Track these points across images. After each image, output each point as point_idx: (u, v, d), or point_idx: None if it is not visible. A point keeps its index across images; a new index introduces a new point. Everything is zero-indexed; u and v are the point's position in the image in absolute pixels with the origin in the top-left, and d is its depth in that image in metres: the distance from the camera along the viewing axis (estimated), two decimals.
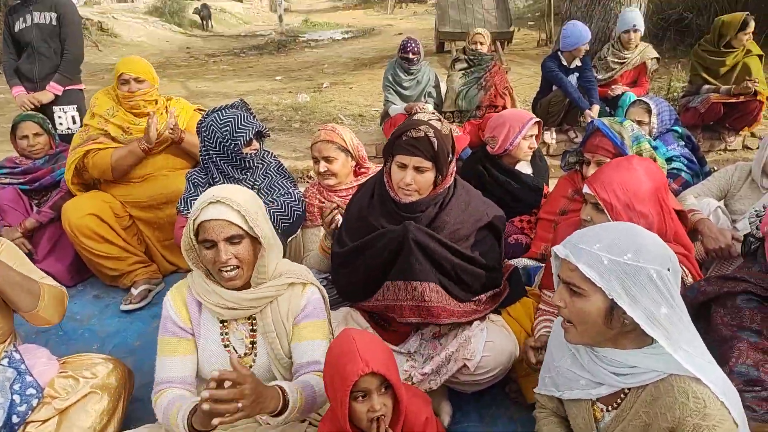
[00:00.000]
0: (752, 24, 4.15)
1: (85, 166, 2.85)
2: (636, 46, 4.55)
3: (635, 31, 4.45)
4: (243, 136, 2.35)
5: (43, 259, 2.89)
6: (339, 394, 1.39)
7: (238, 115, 2.38)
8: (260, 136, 2.51)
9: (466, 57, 4.57)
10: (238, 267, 1.58)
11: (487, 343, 1.92)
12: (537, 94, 4.89)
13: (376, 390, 1.42)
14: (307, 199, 2.60)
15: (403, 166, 1.92)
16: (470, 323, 2.00)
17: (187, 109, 3.04)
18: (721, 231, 2.27)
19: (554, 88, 4.60)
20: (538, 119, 2.81)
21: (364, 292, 2.05)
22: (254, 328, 1.68)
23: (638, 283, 1.21)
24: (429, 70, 4.66)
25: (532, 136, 2.80)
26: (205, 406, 1.24)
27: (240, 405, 1.26)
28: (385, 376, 1.40)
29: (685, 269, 1.87)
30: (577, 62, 4.50)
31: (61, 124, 3.72)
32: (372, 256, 1.99)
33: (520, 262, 2.53)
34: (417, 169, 1.91)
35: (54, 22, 3.59)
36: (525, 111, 2.95)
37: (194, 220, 1.55)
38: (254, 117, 2.48)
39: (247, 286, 1.65)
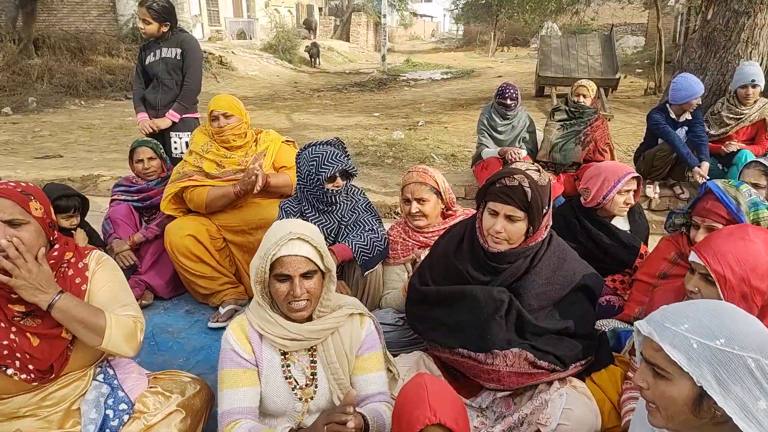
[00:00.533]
0: None
1: (182, 198, 3.08)
2: (755, 102, 4.22)
3: (754, 86, 4.13)
4: (326, 173, 2.44)
5: (145, 272, 3.13)
6: None
7: (327, 152, 2.47)
8: (347, 175, 2.58)
9: (566, 108, 4.44)
10: (308, 300, 1.64)
11: (565, 410, 1.80)
12: (640, 145, 4.65)
13: None
14: (391, 237, 2.62)
15: (495, 214, 1.90)
16: (549, 384, 1.89)
17: (276, 141, 3.19)
18: None
19: (660, 141, 4.36)
20: (636, 174, 2.66)
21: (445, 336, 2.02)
22: (314, 359, 1.71)
23: (732, 372, 1.09)
24: (525, 116, 4.59)
25: (629, 191, 2.66)
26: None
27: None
28: (451, 429, 1.35)
29: None
30: (687, 116, 4.24)
31: (176, 148, 4.04)
32: (454, 312, 1.97)
33: (610, 324, 2.37)
34: (508, 218, 1.88)
35: (178, 57, 3.94)
36: (624, 164, 2.80)
37: (273, 256, 1.60)
38: (346, 156, 2.56)
39: (309, 318, 1.69)
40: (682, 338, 1.12)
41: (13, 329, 1.60)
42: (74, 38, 14.42)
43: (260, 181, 2.89)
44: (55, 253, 1.67)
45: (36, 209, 1.60)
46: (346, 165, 2.51)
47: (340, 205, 2.57)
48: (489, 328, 1.87)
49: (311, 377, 1.70)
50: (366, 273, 2.59)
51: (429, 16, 51.46)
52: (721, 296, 1.66)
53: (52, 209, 1.70)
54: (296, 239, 1.61)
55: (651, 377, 1.19)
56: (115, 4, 16.07)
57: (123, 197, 3.26)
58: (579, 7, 17.49)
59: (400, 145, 8.35)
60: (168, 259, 3.06)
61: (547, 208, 1.92)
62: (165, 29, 3.92)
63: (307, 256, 1.61)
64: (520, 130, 4.53)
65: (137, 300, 3.02)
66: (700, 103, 4.13)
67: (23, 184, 1.64)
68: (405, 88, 16.53)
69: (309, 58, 21.79)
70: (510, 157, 4.29)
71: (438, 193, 2.51)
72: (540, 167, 1.98)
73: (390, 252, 2.61)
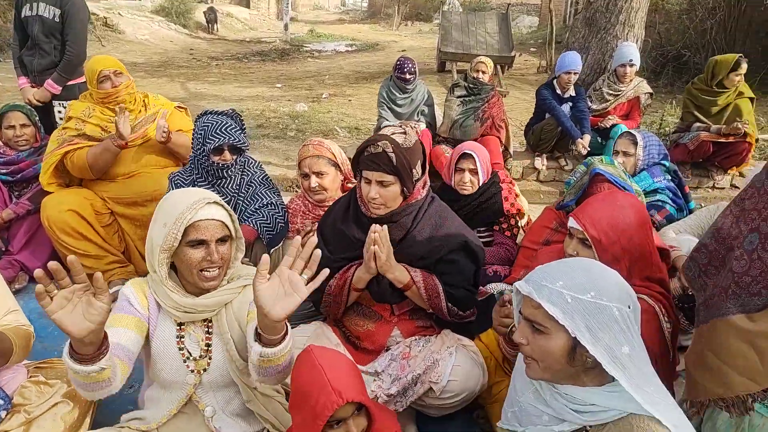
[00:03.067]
0: (744, 66, 4.20)
1: (66, 168, 2.82)
2: (631, 81, 4.59)
3: (631, 65, 4.50)
4: (211, 144, 2.36)
5: (18, 252, 2.86)
6: (312, 426, 1.35)
7: (218, 122, 2.38)
8: (236, 150, 2.49)
9: (466, 84, 4.57)
10: (220, 267, 1.59)
11: (455, 368, 1.91)
12: (530, 120, 4.93)
13: (351, 416, 1.41)
14: (291, 211, 2.59)
15: (369, 181, 1.94)
16: (442, 346, 1.99)
17: (167, 106, 3.02)
18: None
19: (547, 115, 4.64)
20: (469, 151, 2.77)
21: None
22: (210, 330, 1.66)
23: (601, 322, 1.21)
24: (424, 89, 4.69)
25: (463, 170, 2.77)
26: None
27: None
28: (359, 401, 1.38)
29: (662, 310, 1.86)
30: (572, 92, 4.54)
31: (61, 118, 3.65)
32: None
33: (498, 287, 2.52)
34: (380, 184, 1.93)
35: (57, 19, 3.51)
36: (468, 143, 2.90)
37: (188, 220, 1.51)
38: (241, 130, 2.47)
39: None
40: (558, 294, 1.22)
41: None
42: None
43: (163, 124, 2.72)
44: None
45: None
46: (235, 139, 2.41)
47: (232, 178, 2.49)
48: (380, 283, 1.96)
49: (206, 348, 1.65)
50: (272, 251, 2.55)
51: None
52: (596, 257, 1.80)
53: None
54: (213, 203, 1.56)
55: (530, 333, 1.28)
56: None
57: None
58: None
59: (303, 117, 8.20)
60: (45, 237, 2.82)
61: (417, 168, 1.98)
62: None
63: (222, 221, 1.57)
64: (419, 103, 4.62)
65: (9, 283, 2.80)
66: (576, 77, 4.44)
67: None
68: (309, 60, 16.17)
69: (206, 24, 20.60)
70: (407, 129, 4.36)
71: (336, 165, 2.50)
72: (406, 129, 2.03)
73: (290, 225, 2.58)
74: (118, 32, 16.48)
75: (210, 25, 20.56)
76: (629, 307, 1.24)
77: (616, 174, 2.30)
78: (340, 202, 2.18)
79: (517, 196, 3.06)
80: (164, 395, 1.65)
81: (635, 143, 3.07)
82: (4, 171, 2.94)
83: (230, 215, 1.61)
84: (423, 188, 2.04)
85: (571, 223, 1.87)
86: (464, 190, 2.82)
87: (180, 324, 1.64)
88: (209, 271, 1.57)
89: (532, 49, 16.86)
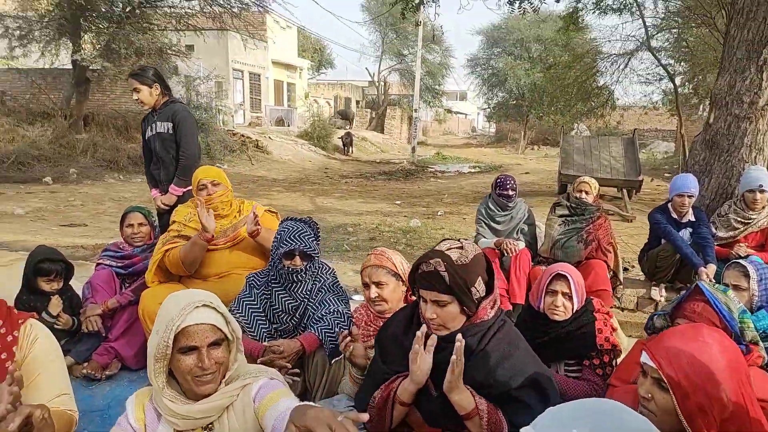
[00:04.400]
0: None
1: (166, 266, 3.08)
2: (763, 208, 4.10)
3: (762, 191, 4.04)
4: (284, 248, 2.46)
5: (115, 339, 3.10)
6: None
7: (294, 228, 2.50)
8: (307, 256, 2.55)
9: (568, 204, 4.40)
10: (216, 372, 1.56)
11: None
12: (644, 246, 4.53)
13: None
14: (354, 320, 2.55)
15: (425, 300, 1.84)
16: None
17: (258, 211, 3.23)
18: None
19: (663, 241, 4.24)
20: (564, 272, 2.54)
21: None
22: None
23: None
24: (524, 207, 4.57)
25: (555, 292, 2.54)
26: None
27: None
28: None
29: None
30: (690, 216, 4.14)
31: None
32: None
33: None
34: (436, 303, 1.81)
35: (170, 131, 3.94)
36: (562, 264, 2.70)
37: (177, 327, 1.52)
38: (315, 237, 2.56)
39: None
40: None
41: None
42: (122, 117, 15.43)
43: (252, 221, 2.90)
44: None
45: None
46: (307, 246, 2.49)
47: (304, 283, 2.54)
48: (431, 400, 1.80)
49: None
50: (333, 360, 2.50)
51: (463, 113, 53.42)
52: (675, 405, 1.51)
53: None
54: (201, 306, 1.55)
55: None
56: None
57: (107, 262, 3.31)
58: (604, 111, 17.86)
59: (415, 232, 8.38)
60: (140, 328, 3.03)
61: (478, 286, 1.83)
62: (157, 92, 3.89)
63: (214, 324, 1.55)
64: (518, 222, 4.48)
65: (104, 369, 3.01)
66: (691, 200, 4.06)
67: None
68: (431, 179, 16.86)
69: (342, 146, 22.65)
70: (506, 248, 4.23)
71: (397, 276, 2.45)
72: (464, 244, 1.91)
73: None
74: (267, 153, 18.62)
75: (345, 148, 22.54)
76: None
77: (721, 300, 1.97)
78: (402, 313, 2.10)
79: (614, 329, 2.73)
80: None
81: (747, 275, 2.64)
82: (119, 264, 3.30)
83: (224, 317, 1.57)
84: (491, 308, 1.89)
85: (644, 358, 1.58)
86: (555, 315, 2.59)
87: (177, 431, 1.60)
88: (204, 377, 1.54)
89: (666, 174, 16.08)
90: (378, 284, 2.42)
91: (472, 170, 19.34)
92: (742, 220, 4.18)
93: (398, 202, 11.91)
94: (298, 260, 2.50)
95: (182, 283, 3.16)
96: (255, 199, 9.29)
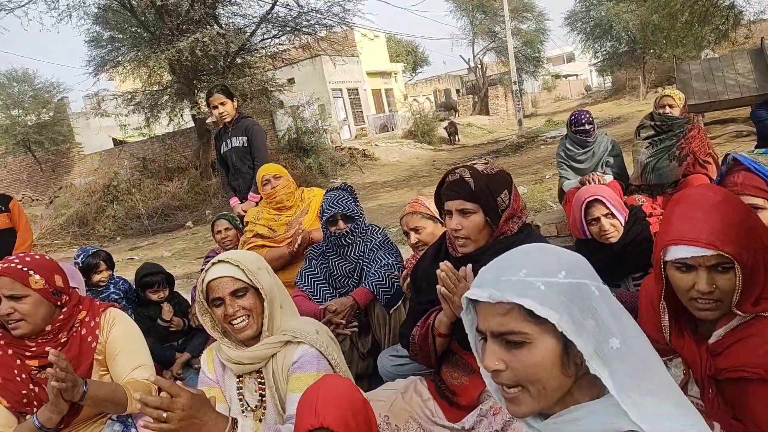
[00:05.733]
0: None
1: None
2: None
3: None
4: (325, 216, 2.61)
5: None
6: None
7: (331, 196, 2.66)
8: (349, 218, 2.65)
9: (652, 123, 4.04)
10: (248, 316, 1.71)
11: None
12: (754, 150, 3.99)
13: None
14: (407, 269, 2.61)
15: (450, 213, 1.83)
16: None
17: (318, 195, 3.39)
18: None
19: None
20: (594, 197, 2.37)
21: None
22: (262, 381, 1.75)
23: (582, 306, 0.92)
24: (606, 139, 4.26)
25: (597, 219, 2.38)
26: (136, 396, 1.35)
27: (165, 415, 1.32)
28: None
29: None
30: None
31: None
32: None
33: None
34: (461, 212, 1.80)
35: (246, 144, 4.34)
36: (589, 189, 2.50)
37: (203, 282, 1.72)
38: (352, 201, 2.67)
39: (257, 337, 1.75)
40: (527, 284, 0.93)
41: (31, 382, 1.86)
42: None
43: (298, 241, 3.10)
44: (61, 316, 1.90)
45: (36, 282, 1.82)
46: (346, 208, 2.60)
47: (354, 245, 2.66)
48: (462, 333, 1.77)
49: (260, 399, 1.76)
50: (391, 311, 2.59)
51: (574, 75, 50.36)
52: (738, 282, 1.28)
53: (58, 277, 1.92)
54: (218, 263, 1.72)
55: (505, 353, 0.96)
56: (274, 122, 18.62)
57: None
58: (728, 29, 15.78)
59: (524, 196, 8.15)
60: None
61: (503, 197, 1.80)
62: (236, 106, 4.30)
63: (231, 276, 1.70)
64: (601, 156, 4.19)
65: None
66: None
67: (28, 260, 1.87)
68: (541, 147, 16.19)
69: (448, 137, 22.57)
70: (591, 180, 3.99)
71: (434, 219, 2.46)
72: (488, 160, 1.88)
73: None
74: (374, 159, 19.20)
75: (451, 137, 22.44)
76: (603, 284, 0.94)
77: (762, 162, 1.73)
78: (432, 248, 2.13)
79: None
80: None
81: None
82: None
83: (242, 269, 1.70)
84: (515, 223, 1.86)
85: (684, 252, 1.30)
86: (610, 239, 2.44)
87: (239, 376, 1.78)
88: (236, 323, 1.70)
89: None
90: (416, 230, 2.47)
91: None
92: None
93: None
94: (341, 224, 2.63)
95: None
96: (364, 202, 9.63)
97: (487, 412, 1.78)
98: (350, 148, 19.45)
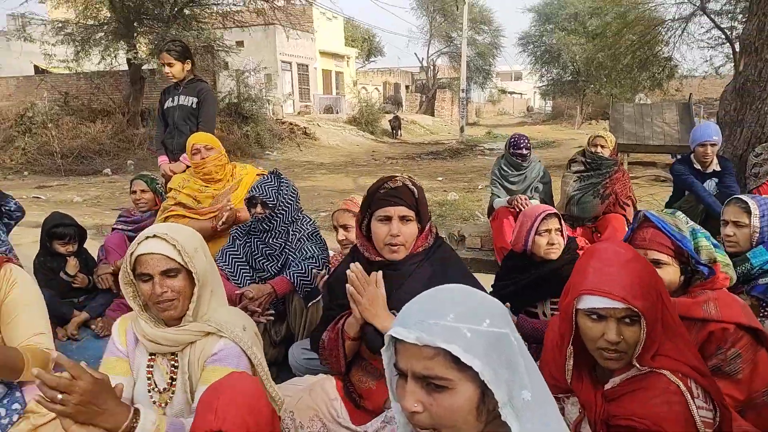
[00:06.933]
0: None
1: None
2: None
3: None
4: (247, 195, 2.57)
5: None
6: None
7: (261, 180, 2.61)
8: (265, 204, 2.61)
9: (583, 159, 4.25)
10: (174, 299, 1.63)
11: None
12: (668, 200, 4.31)
13: None
14: (332, 266, 2.60)
15: (387, 219, 1.82)
16: None
17: (250, 174, 3.32)
18: None
19: (687, 193, 4.02)
20: (552, 211, 2.48)
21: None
22: (175, 365, 1.67)
23: (501, 355, 0.94)
24: (539, 166, 4.46)
25: (548, 231, 2.47)
26: (34, 371, 1.26)
27: (60, 397, 1.24)
28: None
29: (693, 390, 1.35)
30: (715, 166, 3.90)
31: None
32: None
33: None
34: (402, 219, 1.80)
35: (194, 106, 4.16)
36: (544, 205, 2.63)
37: (131, 254, 1.62)
38: (276, 189, 2.62)
39: (180, 319, 1.68)
40: (454, 330, 0.94)
41: None
42: None
43: (223, 217, 3.00)
44: None
45: None
46: (265, 195, 2.57)
47: (277, 232, 2.62)
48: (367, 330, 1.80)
49: (170, 382, 1.68)
50: (309, 305, 2.56)
51: (519, 93, 52.04)
52: (642, 335, 1.38)
53: None
54: (154, 237, 1.62)
55: (425, 395, 0.96)
56: (216, 83, 17.89)
57: (120, 227, 3.53)
58: (662, 79, 16.92)
59: (451, 205, 8.29)
60: None
61: (427, 209, 1.87)
62: (188, 68, 4.10)
63: (164, 254, 1.61)
64: (532, 181, 4.38)
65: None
66: (716, 151, 3.83)
67: None
68: (478, 156, 16.60)
69: (390, 130, 22.68)
70: (517, 204, 4.15)
71: None
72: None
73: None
74: (314, 139, 18.96)
75: (394, 131, 22.55)
76: (518, 334, 0.98)
77: (670, 222, 1.87)
78: (348, 254, 2.14)
79: None
80: None
81: (748, 211, 2.45)
82: (130, 228, 3.51)
83: (177, 249, 1.61)
84: (431, 235, 1.90)
85: (597, 302, 1.38)
86: (551, 254, 2.55)
87: (152, 354, 1.69)
88: (161, 304, 1.61)
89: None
90: (345, 227, 2.46)
91: None
92: None
93: (440, 178, 11.83)
94: (259, 208, 2.59)
95: None
96: (298, 182, 9.48)
97: (391, 419, 1.81)
98: (291, 124, 19.08)
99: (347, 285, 1.75)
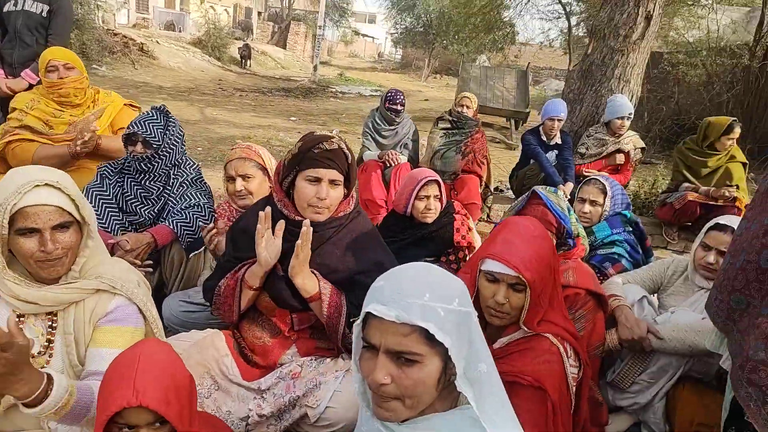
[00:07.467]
0: (737, 130, 4.05)
1: (6, 157, 2.80)
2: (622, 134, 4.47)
3: (628, 118, 4.38)
4: (127, 131, 2.34)
5: None
6: (98, 419, 1.19)
7: (142, 115, 2.36)
8: (148, 144, 2.40)
9: (450, 118, 4.54)
10: (63, 257, 1.45)
11: (336, 394, 1.72)
12: (516, 165, 4.81)
13: (147, 426, 1.21)
14: (217, 215, 2.48)
15: (316, 181, 1.79)
16: (332, 368, 1.82)
17: (117, 103, 2.98)
18: (638, 321, 2.07)
19: (532, 161, 4.52)
20: (433, 177, 2.66)
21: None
22: (54, 326, 1.51)
23: (463, 332, 1.04)
24: (410, 123, 4.63)
25: (427, 197, 2.66)
26: None
27: None
28: (158, 412, 1.19)
29: (567, 351, 1.65)
30: (558, 140, 4.43)
31: None
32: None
33: None
34: (331, 183, 1.79)
35: (44, 14, 3.57)
36: (426, 170, 2.83)
37: (12, 205, 1.37)
38: (162, 127, 2.41)
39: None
40: (430, 309, 1.00)
41: None
42: None
43: (85, 137, 2.67)
44: None
45: None
46: (149, 133, 2.34)
47: (157, 175, 2.42)
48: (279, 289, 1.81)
49: (46, 345, 1.50)
50: (191, 255, 2.43)
51: (371, 37, 52.11)
52: (526, 302, 1.60)
53: None
54: (43, 186, 1.41)
55: (395, 368, 1.02)
56: None
57: None
58: (505, 45, 18.25)
59: None
60: None
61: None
62: None
63: (59, 205, 1.42)
64: (403, 137, 4.55)
65: None
66: (560, 123, 4.37)
67: None
68: (331, 99, 16.49)
69: (239, 59, 21.35)
70: (388, 159, 4.29)
71: (264, 170, 2.39)
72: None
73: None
74: (152, 58, 17.11)
75: (243, 61, 21.28)
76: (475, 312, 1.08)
77: (555, 202, 2.14)
78: (254, 207, 2.06)
79: (470, 229, 2.92)
80: None
81: (604, 192, 2.86)
82: None
83: (72, 199, 1.45)
84: (351, 200, 1.93)
85: (495, 267, 1.59)
86: (427, 218, 2.69)
87: (21, 315, 1.48)
88: (47, 263, 1.43)
89: None
90: (245, 177, 2.35)
91: (374, 93, 19.12)
92: (603, 144, 4.53)
93: (293, 118, 11.58)
94: (139, 147, 2.36)
95: None
96: None
97: (285, 375, 1.85)
98: (126, 37, 16.92)
99: (298, 241, 1.70)
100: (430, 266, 1.12)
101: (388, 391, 1.03)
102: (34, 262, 1.43)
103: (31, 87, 3.62)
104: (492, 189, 4.68)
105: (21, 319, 1.49)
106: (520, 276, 1.55)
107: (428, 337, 1.00)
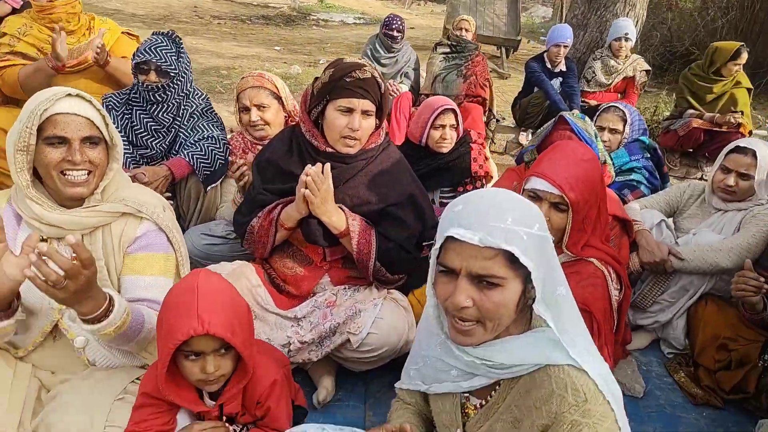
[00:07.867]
0: (745, 55, 4.00)
1: None
2: (627, 57, 4.39)
3: (627, 39, 4.30)
4: (136, 59, 2.21)
5: None
6: (164, 347, 1.20)
7: (151, 41, 2.23)
8: (164, 73, 2.27)
9: (449, 42, 4.40)
10: (90, 172, 1.40)
11: (377, 320, 1.74)
12: (518, 94, 4.73)
13: (213, 352, 1.23)
14: (231, 148, 2.40)
15: (348, 111, 1.72)
16: (369, 296, 1.83)
17: (114, 31, 2.81)
18: (658, 245, 2.12)
19: (536, 89, 4.44)
20: (450, 106, 2.60)
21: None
22: None
23: (544, 257, 1.03)
24: (410, 51, 4.49)
25: (443, 126, 2.60)
26: (71, 238, 1.11)
27: (58, 276, 1.12)
28: (225, 339, 1.21)
29: (611, 275, 1.68)
30: (562, 66, 4.34)
31: None
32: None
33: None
34: (364, 113, 1.73)
35: None
36: (443, 98, 2.75)
37: (43, 112, 1.31)
38: (175, 54, 2.27)
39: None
40: (513, 233, 0.99)
41: None
42: None
43: (99, 42, 2.52)
44: None
45: None
46: (163, 60, 2.20)
47: (168, 105, 2.30)
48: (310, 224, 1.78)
49: None
50: (208, 188, 2.37)
51: None
52: (569, 223, 1.60)
53: None
54: (75, 96, 1.36)
55: (476, 292, 1.02)
56: None
57: None
58: None
59: (296, 79, 7.99)
60: None
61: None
62: None
63: (89, 118, 1.36)
64: (403, 65, 4.43)
65: None
66: (566, 49, 4.26)
67: None
68: (314, 27, 15.83)
69: None
70: (388, 89, 4.18)
71: (279, 99, 2.30)
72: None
73: (229, 163, 2.40)
74: None
75: None
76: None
77: (583, 127, 2.12)
78: (279, 137, 2.00)
79: (487, 159, 2.89)
80: (31, 321, 1.46)
81: (624, 120, 2.82)
82: None
83: (102, 116, 1.39)
84: (382, 131, 1.88)
85: (539, 184, 1.59)
86: (443, 148, 2.64)
87: (44, 239, 1.43)
88: (74, 175, 1.37)
89: (542, 38, 16.55)
90: (260, 107, 2.25)
91: (357, 21, 18.38)
92: (608, 70, 4.46)
93: (278, 48, 11.14)
94: (153, 75, 2.24)
95: (21, 107, 2.73)
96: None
97: (321, 304, 1.87)
98: None
99: (303, 189, 1.66)
100: (506, 191, 1.10)
101: (470, 314, 1.03)
102: (58, 175, 1.37)
103: (14, 11, 3.39)
104: (494, 112, 4.61)
105: (46, 242, 1.44)
106: (564, 195, 1.55)
107: (511, 260, 1.00)
